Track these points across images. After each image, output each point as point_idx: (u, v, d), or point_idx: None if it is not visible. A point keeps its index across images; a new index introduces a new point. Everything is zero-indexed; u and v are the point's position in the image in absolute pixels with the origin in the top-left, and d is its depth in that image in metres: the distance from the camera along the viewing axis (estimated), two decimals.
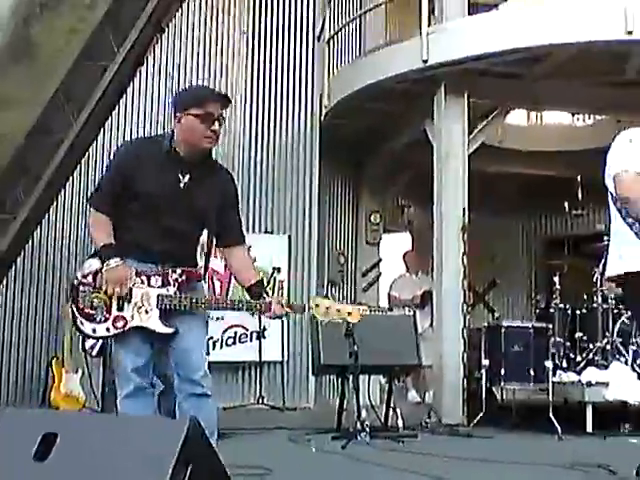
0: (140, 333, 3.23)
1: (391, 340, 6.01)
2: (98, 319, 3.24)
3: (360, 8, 8.67)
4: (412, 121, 7.72)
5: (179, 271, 3.26)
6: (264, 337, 7.69)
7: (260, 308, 3.30)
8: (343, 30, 8.52)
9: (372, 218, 9.10)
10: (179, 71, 8.14)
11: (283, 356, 7.81)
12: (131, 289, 3.22)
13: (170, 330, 3.21)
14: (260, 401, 7.57)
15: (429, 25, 6.84)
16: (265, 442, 5.58)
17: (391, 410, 6.05)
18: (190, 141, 3.28)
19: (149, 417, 3.11)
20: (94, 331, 3.26)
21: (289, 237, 8.08)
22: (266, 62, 8.35)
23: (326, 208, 8.65)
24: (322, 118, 8.19)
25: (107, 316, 3.23)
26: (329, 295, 8.72)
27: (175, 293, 3.23)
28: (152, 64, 8.15)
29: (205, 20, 8.32)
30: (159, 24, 8.30)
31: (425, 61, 6.74)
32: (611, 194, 3.98)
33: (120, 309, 3.23)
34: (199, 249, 3.39)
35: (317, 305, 3.22)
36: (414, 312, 6.35)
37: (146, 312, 3.22)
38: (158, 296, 3.21)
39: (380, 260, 9.31)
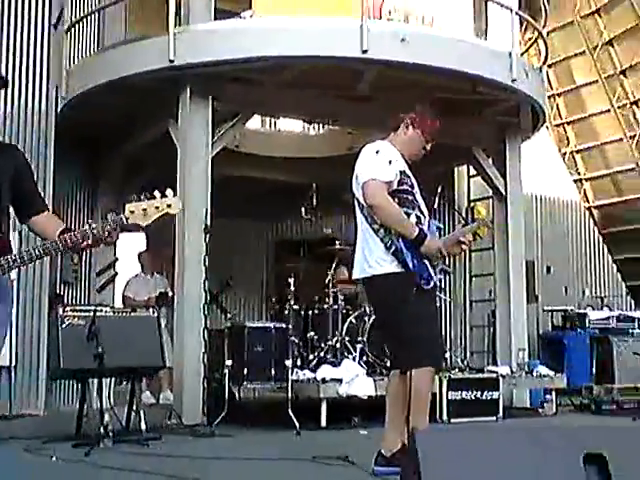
0: None
1: (134, 341, 5.89)
2: None
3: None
4: (155, 121, 7.62)
5: None
6: None
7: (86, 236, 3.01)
8: (86, 21, 8.18)
9: (109, 217, 8.82)
10: None
11: (11, 361, 7.33)
12: None
13: None
14: None
15: (176, 25, 6.80)
16: None
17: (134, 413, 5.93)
18: None
19: None
20: None
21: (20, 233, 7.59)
22: None
23: (61, 205, 8.25)
24: (58, 111, 7.79)
25: None
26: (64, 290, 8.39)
27: None
28: None
29: None
30: None
31: (171, 61, 6.70)
32: (358, 201, 4.25)
33: None
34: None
35: (132, 212, 2.98)
36: (158, 313, 6.27)
37: None
38: None
39: (116, 260, 9.08)
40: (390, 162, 4.16)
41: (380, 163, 4.14)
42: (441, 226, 4.49)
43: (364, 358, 7.10)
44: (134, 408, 5.90)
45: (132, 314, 6.12)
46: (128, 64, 7.05)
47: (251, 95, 7.37)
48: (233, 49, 6.74)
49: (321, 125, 10.13)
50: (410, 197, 4.20)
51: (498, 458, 2.18)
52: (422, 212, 4.25)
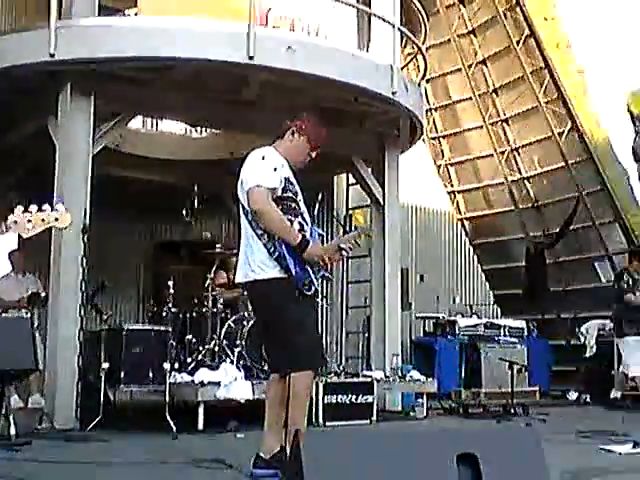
0: None
1: (5, 343, 5.68)
2: None
3: None
4: (33, 116, 7.39)
5: None
6: None
7: None
8: None
9: None
10: None
11: None
12: None
13: None
14: None
15: (58, 19, 6.63)
16: None
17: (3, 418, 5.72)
18: None
19: None
20: None
21: None
22: None
23: None
24: None
25: None
26: None
27: None
28: None
29: None
30: None
31: (52, 55, 6.51)
32: (243, 207, 4.29)
33: None
34: None
35: (15, 221, 2.85)
36: (32, 314, 6.09)
37: None
38: None
39: None
40: (275, 169, 4.21)
41: (265, 169, 4.19)
42: (323, 233, 4.59)
43: (242, 362, 7.13)
44: (3, 412, 5.69)
45: (3, 315, 5.91)
46: (9, 55, 6.80)
47: (134, 95, 7.25)
48: (116, 46, 6.60)
49: (204, 128, 10.09)
50: (294, 204, 4.28)
51: (377, 459, 2.27)
52: (305, 219, 4.33)
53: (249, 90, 7.49)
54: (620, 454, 5.21)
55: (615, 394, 9.02)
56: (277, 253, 4.12)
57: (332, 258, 4.41)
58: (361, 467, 2.25)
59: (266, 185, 4.15)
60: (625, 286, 8.75)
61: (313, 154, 4.47)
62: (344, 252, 4.51)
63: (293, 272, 4.11)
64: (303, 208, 4.36)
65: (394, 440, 2.39)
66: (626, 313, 8.74)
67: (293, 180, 4.34)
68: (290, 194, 4.27)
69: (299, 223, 4.26)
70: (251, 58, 6.63)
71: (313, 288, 4.21)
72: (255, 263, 4.20)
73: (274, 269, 4.14)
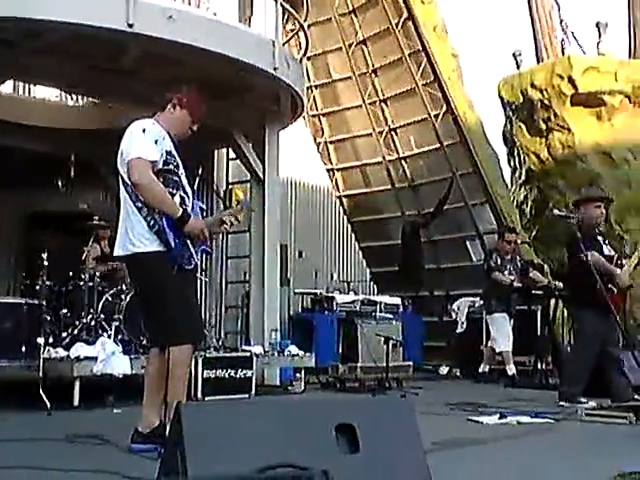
0: None
1: None
2: None
3: None
4: None
5: None
6: None
7: None
8: None
9: None
10: None
11: None
12: None
13: None
14: None
15: None
16: None
17: None
18: None
19: None
20: None
21: None
22: None
23: None
24: None
25: None
26: None
27: None
28: None
29: None
30: None
31: None
32: (122, 179, 4.21)
33: None
34: None
35: None
36: None
37: None
38: None
39: None
40: (156, 141, 4.16)
41: (146, 142, 4.13)
42: (204, 207, 4.58)
43: (120, 336, 7.02)
44: None
45: None
46: None
47: (5, 58, 6.95)
48: None
49: (80, 96, 9.77)
50: (175, 177, 4.24)
51: (258, 431, 2.30)
52: (186, 193, 4.30)
53: (128, 59, 7.30)
54: (487, 424, 5.47)
55: (484, 368, 9.40)
56: (157, 226, 4.08)
57: (213, 232, 4.41)
58: (241, 439, 2.27)
59: (147, 157, 4.09)
60: (492, 264, 9.11)
61: (194, 127, 4.45)
62: (225, 226, 4.52)
63: (173, 246, 4.08)
64: (184, 181, 4.33)
65: (273, 412, 2.42)
66: (494, 291, 9.08)
67: (174, 153, 4.29)
68: (171, 167, 4.23)
69: (180, 197, 4.23)
70: (130, 26, 6.47)
71: (193, 262, 4.19)
72: (135, 236, 4.14)
73: (154, 243, 4.10)
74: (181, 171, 4.31)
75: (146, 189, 4.08)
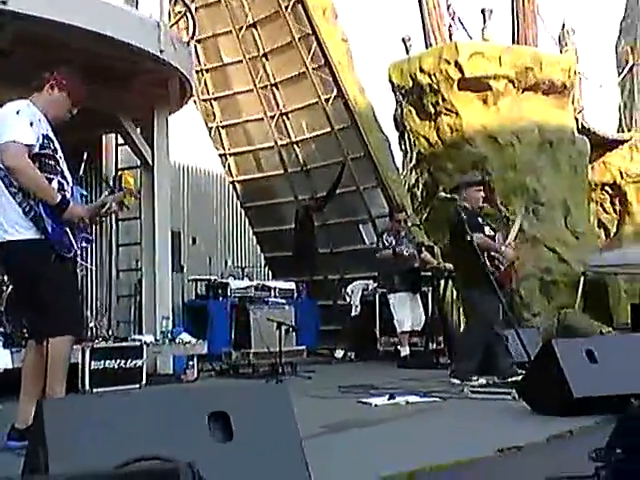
0: None
1: None
2: None
3: None
4: None
5: None
6: None
7: None
8: None
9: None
10: None
11: None
12: None
13: None
14: None
15: None
16: None
17: None
18: None
19: None
20: None
21: None
22: None
23: None
24: None
25: None
26: None
27: None
28: None
29: None
30: None
31: None
32: None
33: None
34: None
35: None
36: None
37: None
38: None
39: None
40: (32, 123, 3.99)
41: (21, 124, 3.95)
42: (85, 193, 4.43)
43: (1, 329, 6.74)
44: None
45: None
46: None
47: None
48: None
49: None
50: (53, 162, 4.08)
51: (127, 423, 2.22)
52: (65, 178, 4.15)
53: (3, 38, 6.95)
54: (376, 406, 5.54)
55: (405, 352, 9.26)
56: (33, 212, 3.92)
57: (93, 219, 4.27)
58: (107, 433, 2.18)
59: (22, 141, 3.92)
60: (381, 245, 9.25)
61: (74, 111, 4.29)
62: (107, 213, 4.38)
63: (50, 233, 3.92)
64: (64, 166, 4.17)
65: (142, 403, 2.35)
66: (396, 269, 9.17)
67: (52, 136, 4.13)
68: (48, 151, 4.07)
69: (58, 182, 4.08)
70: (4, 3, 6.17)
71: (73, 250, 4.04)
72: (8, 223, 3.96)
73: (29, 230, 3.93)
74: (59, 155, 4.15)
75: (21, 173, 3.91)
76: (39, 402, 2.19)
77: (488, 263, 6.70)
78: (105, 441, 2.10)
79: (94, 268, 10.37)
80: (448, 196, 7.10)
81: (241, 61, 12.65)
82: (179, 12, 10.48)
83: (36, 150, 3.98)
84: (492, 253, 6.92)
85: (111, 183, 10.39)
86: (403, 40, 12.71)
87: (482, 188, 7.22)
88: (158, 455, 1.90)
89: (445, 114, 11.95)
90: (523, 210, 7.37)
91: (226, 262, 12.52)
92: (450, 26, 13.10)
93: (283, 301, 9.81)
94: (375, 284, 10.46)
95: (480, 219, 7.12)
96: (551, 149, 12.24)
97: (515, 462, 3.68)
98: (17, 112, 3.99)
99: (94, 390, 6.59)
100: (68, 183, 4.15)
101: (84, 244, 4.22)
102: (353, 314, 10.88)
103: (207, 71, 13.05)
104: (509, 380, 6.29)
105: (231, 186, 13.73)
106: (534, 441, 3.99)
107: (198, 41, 12.04)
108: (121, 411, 2.21)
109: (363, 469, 3.41)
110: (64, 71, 4.27)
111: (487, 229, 7.09)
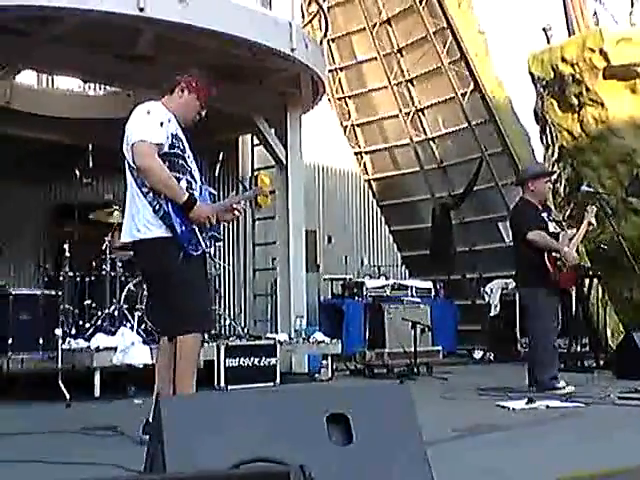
0: None
1: None
2: None
3: None
4: None
5: None
6: None
7: None
8: None
9: None
10: None
11: None
12: None
13: None
14: None
15: None
16: None
17: None
18: None
19: None
20: None
21: None
22: None
23: None
24: None
25: None
26: None
27: None
28: None
29: None
30: None
31: None
32: (128, 163, 4.11)
33: None
34: None
35: None
36: None
37: None
38: None
39: None
40: (161, 124, 4.04)
41: (151, 124, 4.02)
42: (214, 192, 4.44)
43: (142, 326, 6.96)
44: None
45: None
46: None
47: (18, 47, 6.86)
48: None
49: (100, 85, 9.71)
50: (181, 161, 4.12)
51: (242, 421, 2.16)
52: (194, 177, 4.18)
53: (142, 45, 7.20)
54: (514, 410, 5.29)
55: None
56: (162, 211, 3.96)
57: (221, 218, 4.28)
58: (224, 433, 2.12)
59: (151, 140, 3.98)
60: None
61: (203, 113, 4.33)
62: (237, 212, 4.38)
63: (179, 231, 3.96)
64: (192, 166, 4.20)
65: (261, 403, 2.28)
66: None
67: (181, 136, 4.17)
68: (177, 150, 4.10)
69: (187, 181, 4.11)
70: (141, 10, 6.33)
71: (200, 249, 4.06)
72: (140, 222, 4.03)
73: (159, 228, 3.98)
74: (188, 154, 4.19)
75: (150, 172, 3.96)
76: (157, 400, 2.17)
77: (548, 263, 6.22)
78: (221, 441, 2.05)
79: (231, 267, 10.56)
80: (591, 190, 6.70)
81: (375, 58, 12.56)
82: (313, 12, 10.51)
83: (165, 149, 4.03)
84: (554, 253, 6.35)
85: (247, 184, 10.57)
86: (544, 29, 12.22)
87: (550, 180, 6.68)
88: (268, 457, 1.83)
89: (589, 105, 11.37)
90: (595, 209, 6.64)
91: (362, 261, 12.46)
92: (595, 12, 12.49)
93: (418, 300, 9.65)
94: (515, 283, 10.10)
95: (546, 214, 6.56)
96: None
97: None
98: (147, 112, 4.07)
99: (229, 387, 6.69)
100: (196, 182, 4.18)
101: (213, 242, 4.24)
102: (492, 314, 10.60)
103: (341, 69, 13.05)
104: None
105: (367, 184, 13.67)
106: None
107: (332, 40, 12.07)
108: (237, 411, 2.15)
109: (494, 476, 3.23)
110: (194, 74, 4.31)
111: (552, 225, 6.51)
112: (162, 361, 4.17)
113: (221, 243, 10.00)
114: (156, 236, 3.97)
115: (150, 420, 4.07)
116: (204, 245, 4.09)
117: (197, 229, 4.04)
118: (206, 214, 4.05)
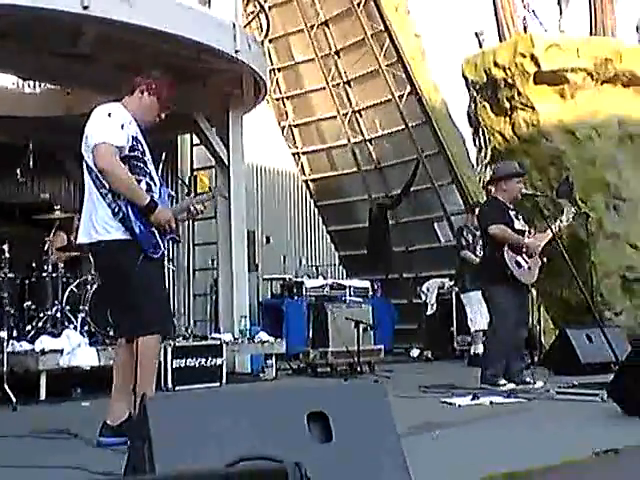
0: None
1: None
2: None
3: None
4: None
5: None
6: None
7: None
8: None
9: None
10: None
11: None
12: None
13: None
14: None
15: None
16: None
17: None
18: None
19: None
20: None
21: None
22: None
23: None
24: None
25: None
26: None
27: None
28: None
29: None
30: None
31: None
32: (87, 164, 4.09)
33: None
34: None
35: None
36: None
37: None
38: None
39: None
40: (122, 126, 4.04)
41: (112, 126, 4.01)
42: (173, 194, 4.47)
43: (86, 327, 6.88)
44: None
45: None
46: None
47: None
48: None
49: (37, 83, 9.53)
50: (141, 164, 4.12)
51: (227, 423, 2.21)
52: (153, 180, 4.19)
53: (84, 43, 7.09)
54: (460, 406, 5.44)
55: (475, 350, 9.06)
56: (121, 214, 3.96)
57: (179, 220, 4.30)
58: (210, 432, 2.17)
59: (112, 142, 3.97)
60: (464, 242, 9.04)
61: (163, 115, 4.34)
62: (193, 214, 4.42)
63: (138, 234, 3.96)
64: (151, 168, 4.22)
65: (243, 403, 2.33)
66: (467, 269, 8.97)
67: (141, 139, 4.18)
68: (137, 153, 4.11)
69: (147, 183, 4.12)
70: (85, 8, 6.24)
71: (159, 251, 4.07)
72: (99, 223, 4.02)
73: (118, 230, 3.98)
74: (147, 157, 4.20)
75: (111, 175, 3.96)
76: (142, 399, 2.19)
77: (507, 258, 6.36)
78: (209, 440, 2.09)
79: (172, 267, 10.50)
80: (529, 192, 6.91)
81: (313, 59, 12.66)
82: (251, 12, 10.53)
83: (126, 152, 4.03)
84: (524, 249, 6.47)
85: (187, 183, 10.53)
86: (476, 34, 12.50)
87: (521, 180, 6.89)
88: (264, 455, 1.89)
89: (521, 109, 11.69)
90: (573, 208, 6.87)
91: (300, 261, 12.54)
92: (524, 18, 12.83)
93: (360, 300, 9.77)
94: (451, 282, 10.33)
95: (513, 212, 6.68)
96: (632, 143, 11.85)
97: (613, 466, 3.55)
98: (108, 114, 4.05)
99: (176, 388, 6.67)
100: (156, 184, 4.19)
101: (172, 244, 4.26)
102: (429, 313, 10.79)
103: (279, 70, 13.10)
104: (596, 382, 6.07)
105: (304, 185, 13.76)
106: (631, 444, 3.84)
107: (270, 40, 12.10)
108: (223, 409, 2.20)
109: (460, 470, 3.34)
110: (155, 76, 4.31)
111: (518, 223, 6.65)
112: (119, 362, 4.17)
113: None
114: (115, 238, 3.97)
115: (107, 422, 4.07)
116: (163, 247, 4.11)
117: (157, 231, 4.05)
118: (167, 217, 4.06)
